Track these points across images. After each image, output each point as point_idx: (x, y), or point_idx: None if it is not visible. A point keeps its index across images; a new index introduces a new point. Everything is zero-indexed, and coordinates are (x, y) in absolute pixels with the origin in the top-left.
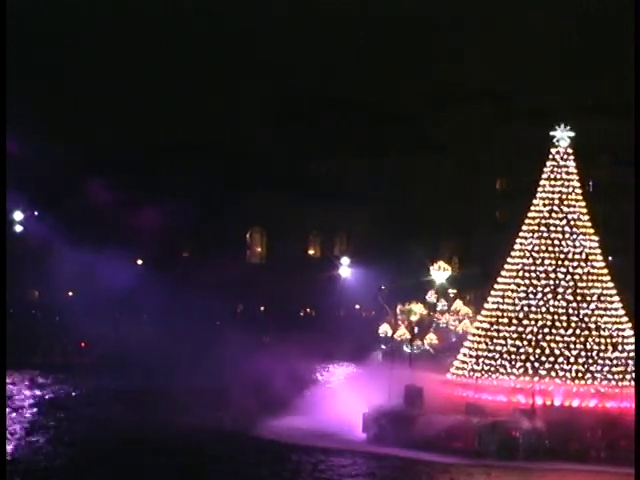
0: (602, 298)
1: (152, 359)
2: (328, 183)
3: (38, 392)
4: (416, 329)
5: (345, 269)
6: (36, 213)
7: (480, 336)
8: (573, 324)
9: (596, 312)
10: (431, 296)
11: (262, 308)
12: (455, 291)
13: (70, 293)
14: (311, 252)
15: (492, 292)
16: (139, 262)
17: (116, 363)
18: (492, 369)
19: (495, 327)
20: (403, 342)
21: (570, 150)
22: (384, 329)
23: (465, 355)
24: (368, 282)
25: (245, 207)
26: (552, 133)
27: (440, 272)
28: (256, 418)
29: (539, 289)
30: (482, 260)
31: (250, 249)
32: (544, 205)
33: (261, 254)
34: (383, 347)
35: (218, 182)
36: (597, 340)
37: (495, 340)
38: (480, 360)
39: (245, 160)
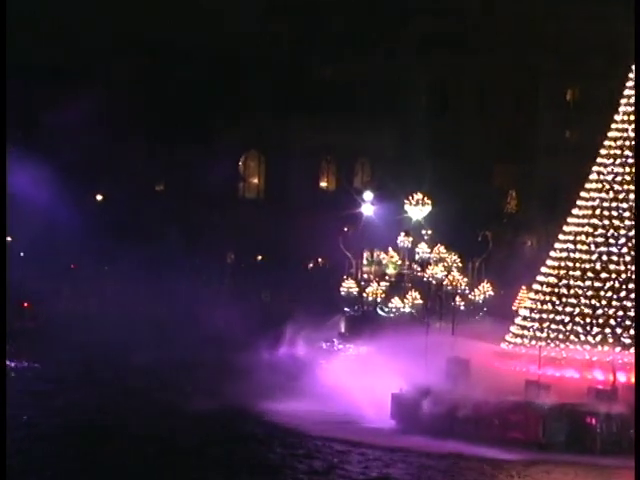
0: None
1: (117, 323)
2: (345, 93)
3: None
4: (383, 285)
5: (368, 206)
6: None
7: (545, 294)
8: None
9: None
10: (403, 240)
11: (259, 257)
12: (429, 232)
13: (9, 238)
14: (323, 184)
15: (560, 236)
16: (99, 198)
17: (70, 329)
18: (560, 337)
19: (565, 282)
20: (376, 303)
21: None
22: (348, 287)
23: (525, 319)
24: (398, 222)
25: (237, 126)
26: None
27: (417, 208)
28: (258, 401)
29: (622, 232)
30: (548, 194)
31: (244, 181)
32: (629, 122)
33: (258, 187)
34: (347, 310)
35: (200, 93)
36: None
37: (565, 299)
38: (545, 325)
39: (236, 66)
